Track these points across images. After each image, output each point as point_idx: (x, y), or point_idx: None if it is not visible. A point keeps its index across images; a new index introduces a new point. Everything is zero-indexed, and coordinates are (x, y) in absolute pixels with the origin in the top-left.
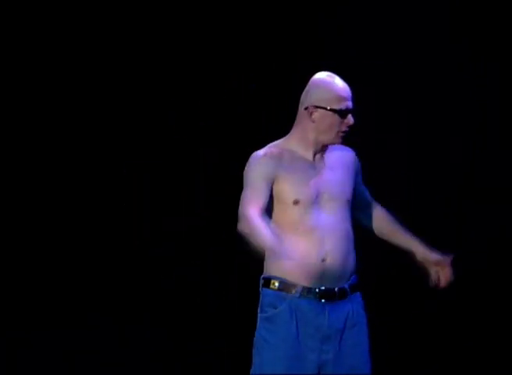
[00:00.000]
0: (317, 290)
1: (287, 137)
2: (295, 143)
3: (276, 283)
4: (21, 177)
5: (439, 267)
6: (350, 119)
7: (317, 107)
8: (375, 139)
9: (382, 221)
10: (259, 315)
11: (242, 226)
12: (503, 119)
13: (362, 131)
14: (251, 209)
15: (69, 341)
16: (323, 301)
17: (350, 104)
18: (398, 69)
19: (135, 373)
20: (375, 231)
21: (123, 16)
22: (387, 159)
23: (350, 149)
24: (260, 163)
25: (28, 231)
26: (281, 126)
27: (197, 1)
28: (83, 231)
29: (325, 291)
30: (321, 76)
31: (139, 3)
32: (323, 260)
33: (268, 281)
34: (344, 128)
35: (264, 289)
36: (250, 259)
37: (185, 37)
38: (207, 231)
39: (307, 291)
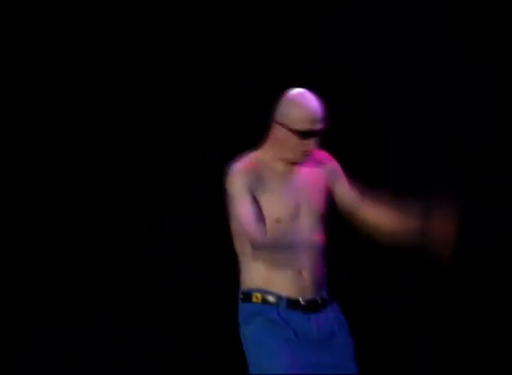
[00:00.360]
0: (300, 299)
1: (261, 148)
2: (268, 155)
3: (259, 296)
4: (21, 177)
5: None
6: (310, 142)
7: (280, 124)
8: (374, 139)
9: (379, 219)
10: (246, 327)
11: (259, 244)
12: (503, 119)
13: (362, 131)
14: (255, 227)
15: (69, 341)
16: (309, 311)
17: (313, 126)
18: (398, 69)
19: (135, 373)
20: (375, 231)
21: (123, 15)
22: (387, 159)
23: (325, 154)
24: (241, 175)
25: (28, 231)
26: None
27: (197, 1)
28: (83, 231)
29: (310, 302)
30: (294, 93)
31: (139, 3)
32: (299, 273)
33: (249, 295)
34: (305, 149)
35: (245, 304)
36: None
37: (185, 37)
38: (207, 231)
39: (293, 302)
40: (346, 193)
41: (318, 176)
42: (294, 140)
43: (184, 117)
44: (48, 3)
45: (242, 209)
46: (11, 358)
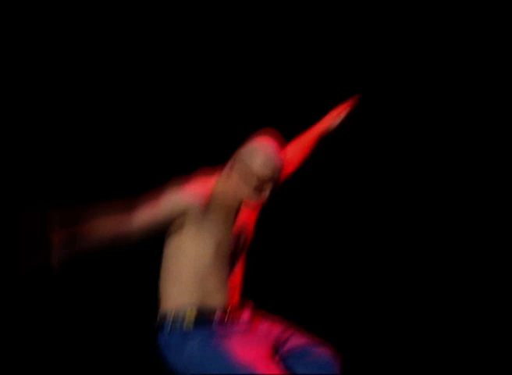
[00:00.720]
0: (229, 309)
1: (219, 176)
2: (223, 186)
3: (193, 313)
4: (20, 178)
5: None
6: (267, 187)
7: (243, 163)
8: (375, 139)
9: (331, 127)
10: (188, 343)
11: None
12: (503, 119)
13: (363, 131)
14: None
15: (69, 340)
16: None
17: (272, 174)
18: (398, 69)
19: (135, 373)
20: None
21: (122, 16)
22: (387, 159)
23: None
24: (184, 197)
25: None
26: (279, 127)
27: (196, 2)
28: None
29: (236, 309)
30: (262, 138)
31: (140, 5)
32: (226, 291)
33: (181, 314)
34: (261, 193)
35: (176, 325)
36: (249, 259)
37: (184, 37)
38: None
39: (224, 313)
40: (301, 156)
41: (257, 212)
42: (252, 182)
43: (184, 117)
44: (48, 3)
45: (146, 209)
46: (11, 358)
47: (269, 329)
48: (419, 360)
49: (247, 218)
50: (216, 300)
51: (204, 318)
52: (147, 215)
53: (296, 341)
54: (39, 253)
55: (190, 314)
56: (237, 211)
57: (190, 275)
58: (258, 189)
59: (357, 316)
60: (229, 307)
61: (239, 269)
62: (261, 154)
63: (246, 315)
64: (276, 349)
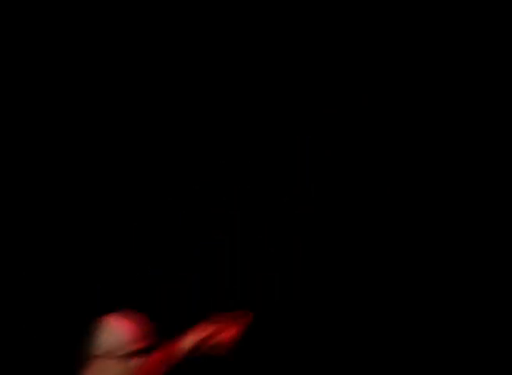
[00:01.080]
0: None
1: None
2: None
3: None
4: (20, 178)
5: None
6: (138, 361)
7: (103, 355)
8: (375, 139)
9: None
10: None
11: None
12: (503, 119)
13: (362, 131)
14: None
15: (69, 340)
16: None
17: (140, 345)
18: (398, 68)
19: None
20: None
21: (123, 18)
22: (387, 159)
23: None
24: None
25: (27, 233)
26: (278, 128)
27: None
28: (83, 232)
29: None
30: (108, 320)
31: (140, 5)
32: None
33: None
34: (133, 371)
35: None
36: (249, 259)
37: (183, 38)
38: (207, 231)
39: None
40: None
41: None
42: (120, 366)
43: (184, 118)
44: (48, 3)
45: None
46: (11, 358)
47: None
48: (419, 360)
49: None
50: None
51: None
52: None
53: None
54: None
55: None
56: None
57: None
58: (131, 370)
59: None
60: None
61: None
62: (120, 329)
63: None
64: None
